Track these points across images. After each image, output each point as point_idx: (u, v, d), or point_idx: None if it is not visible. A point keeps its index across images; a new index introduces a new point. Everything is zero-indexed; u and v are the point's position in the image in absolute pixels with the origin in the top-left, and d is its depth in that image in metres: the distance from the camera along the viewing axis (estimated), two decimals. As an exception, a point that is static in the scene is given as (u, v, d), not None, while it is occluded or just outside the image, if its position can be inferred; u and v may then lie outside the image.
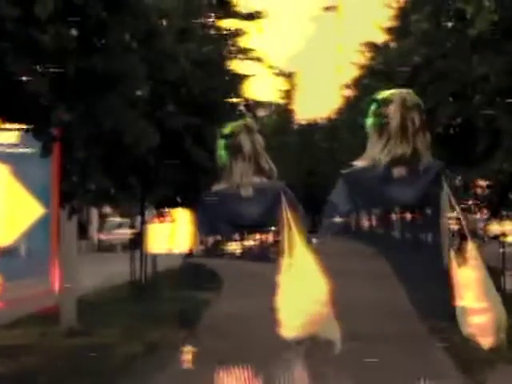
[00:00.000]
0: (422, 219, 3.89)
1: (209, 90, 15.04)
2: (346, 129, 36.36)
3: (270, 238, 4.14)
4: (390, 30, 24.27)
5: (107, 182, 10.06)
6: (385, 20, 25.50)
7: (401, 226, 4.00)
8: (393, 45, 24.03)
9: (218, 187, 4.21)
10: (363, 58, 28.97)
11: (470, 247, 3.67)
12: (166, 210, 16.78)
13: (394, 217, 3.91)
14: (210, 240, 4.22)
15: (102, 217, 38.13)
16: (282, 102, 39.08)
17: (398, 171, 3.85)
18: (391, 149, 3.87)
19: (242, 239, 4.16)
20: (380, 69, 20.10)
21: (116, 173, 10.60)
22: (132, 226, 17.71)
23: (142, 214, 16.42)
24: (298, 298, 3.81)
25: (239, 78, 18.92)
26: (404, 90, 4.07)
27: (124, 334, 10.89)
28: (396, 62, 15.71)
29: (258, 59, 23.01)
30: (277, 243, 4.07)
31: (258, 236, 4.16)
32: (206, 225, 4.22)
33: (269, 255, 4.10)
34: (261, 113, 25.91)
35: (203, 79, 14.80)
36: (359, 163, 3.97)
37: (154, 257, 17.28)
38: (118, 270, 17.89)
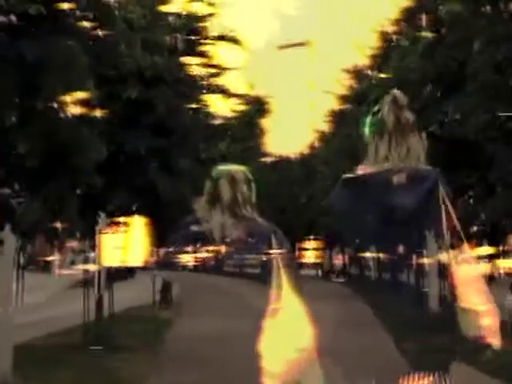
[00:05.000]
0: (419, 226, 3.91)
1: (176, 109, 13.43)
2: (322, 164, 35.33)
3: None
4: (372, 57, 23.20)
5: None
6: (361, 50, 24.46)
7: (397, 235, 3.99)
8: (373, 73, 23.13)
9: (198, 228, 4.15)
10: (342, 88, 27.60)
11: (467, 249, 3.82)
12: (120, 219, 15.08)
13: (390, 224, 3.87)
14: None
15: (63, 252, 36.67)
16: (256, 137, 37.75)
17: (398, 178, 3.90)
18: (390, 147, 3.92)
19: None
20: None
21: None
22: (85, 262, 15.87)
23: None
24: (280, 345, 3.76)
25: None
26: (393, 91, 4.21)
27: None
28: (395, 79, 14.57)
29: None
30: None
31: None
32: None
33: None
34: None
35: (170, 97, 13.22)
36: (360, 170, 3.98)
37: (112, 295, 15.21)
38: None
